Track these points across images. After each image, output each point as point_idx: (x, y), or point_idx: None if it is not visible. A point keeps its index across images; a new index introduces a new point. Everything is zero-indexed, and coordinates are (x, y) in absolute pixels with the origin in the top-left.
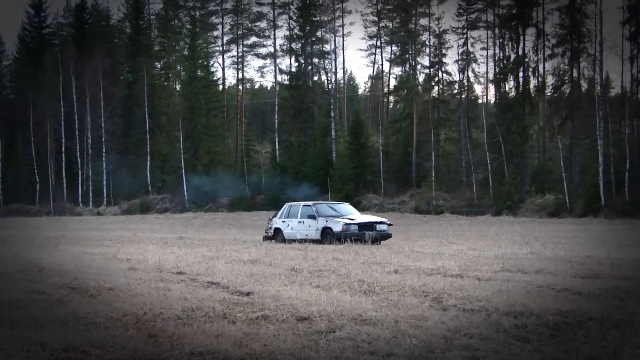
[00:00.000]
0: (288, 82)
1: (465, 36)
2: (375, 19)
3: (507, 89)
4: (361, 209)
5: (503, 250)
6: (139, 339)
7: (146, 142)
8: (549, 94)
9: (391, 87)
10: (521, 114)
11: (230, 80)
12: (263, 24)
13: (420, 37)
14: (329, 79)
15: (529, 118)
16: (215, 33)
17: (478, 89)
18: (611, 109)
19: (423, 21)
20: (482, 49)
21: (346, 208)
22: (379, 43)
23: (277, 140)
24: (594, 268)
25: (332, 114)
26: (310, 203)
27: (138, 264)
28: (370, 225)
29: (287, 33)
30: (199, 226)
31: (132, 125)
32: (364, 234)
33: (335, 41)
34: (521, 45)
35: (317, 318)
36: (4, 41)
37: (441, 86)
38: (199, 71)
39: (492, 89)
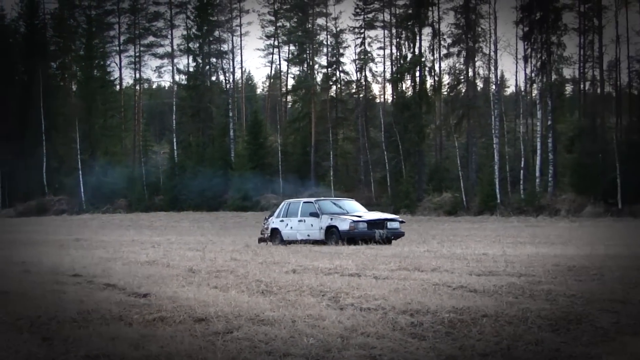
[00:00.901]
0: (186, 82)
1: (362, 36)
2: (273, 18)
3: (404, 88)
4: (260, 208)
5: (400, 248)
6: (33, 342)
7: (42, 143)
8: (445, 93)
9: (289, 86)
10: (418, 113)
11: (128, 80)
12: (160, 24)
13: (318, 37)
14: (227, 78)
15: (425, 117)
16: (112, 33)
17: (375, 88)
18: (506, 107)
19: (320, 21)
20: (379, 48)
21: (352, 205)
22: (276, 43)
23: (175, 140)
24: (489, 265)
25: (231, 114)
26: (312, 199)
27: (33, 267)
28: (380, 223)
29: (185, 33)
30: (96, 228)
31: (28, 125)
32: (373, 233)
33: (233, 41)
34: (418, 44)
35: (214, 319)
36: None
37: (339, 85)
38: (95, 71)
39: (389, 88)
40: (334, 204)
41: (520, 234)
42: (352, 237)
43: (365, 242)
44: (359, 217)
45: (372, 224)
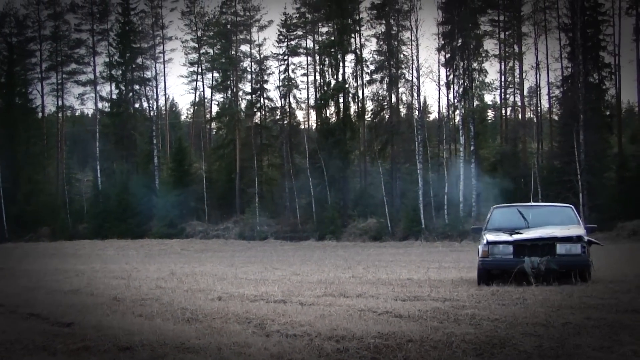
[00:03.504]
0: (109, 109)
1: (286, 62)
2: (196, 45)
3: (328, 114)
4: (185, 235)
5: (326, 274)
6: None
7: None
8: (369, 119)
9: (213, 113)
10: (342, 139)
11: (50, 107)
12: (82, 51)
13: (242, 64)
14: (150, 105)
15: (350, 143)
16: (34, 60)
17: (300, 115)
18: (429, 133)
19: (244, 47)
20: (303, 75)
21: (558, 214)
22: (200, 70)
23: (98, 168)
24: (414, 290)
25: (155, 141)
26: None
27: None
28: (543, 246)
29: (107, 60)
30: (19, 256)
31: None
32: (521, 263)
33: (156, 68)
34: (341, 71)
35: (139, 348)
36: None
37: (263, 112)
38: (17, 99)
39: (313, 114)
40: (524, 212)
41: (444, 259)
42: (488, 270)
43: (517, 280)
44: (514, 234)
45: (523, 247)
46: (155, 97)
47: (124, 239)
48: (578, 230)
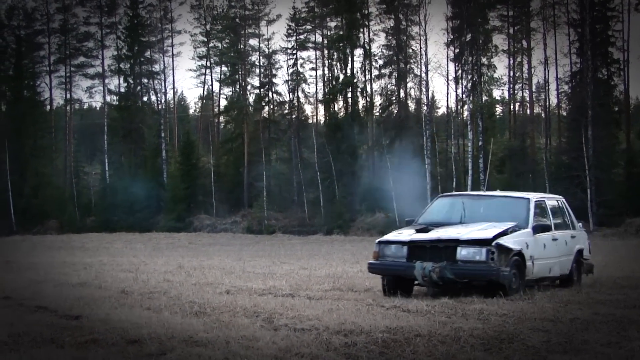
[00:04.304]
0: (117, 103)
1: (294, 57)
2: (205, 39)
3: (336, 109)
4: (193, 229)
5: (334, 269)
6: None
7: None
8: (377, 113)
9: (221, 107)
10: (350, 133)
11: (58, 100)
12: (91, 44)
13: (250, 58)
14: (158, 99)
15: (358, 137)
16: (42, 53)
17: (308, 109)
18: (437, 128)
19: (252, 41)
20: (312, 69)
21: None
22: (208, 63)
23: (106, 161)
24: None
25: (163, 135)
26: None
27: None
28: (442, 248)
29: (116, 53)
30: (27, 249)
31: None
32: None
33: (164, 61)
34: (349, 65)
35: (147, 341)
36: None
37: (271, 106)
38: (25, 92)
39: (321, 109)
40: (470, 204)
41: None
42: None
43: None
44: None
45: (422, 249)
46: (163, 90)
47: (131, 233)
48: (492, 231)
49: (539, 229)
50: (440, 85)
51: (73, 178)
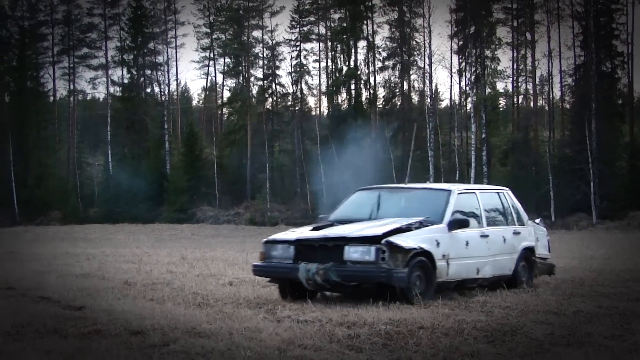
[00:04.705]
0: (120, 94)
1: (298, 48)
2: (208, 30)
3: (339, 101)
4: (196, 220)
5: None
6: None
7: None
8: (380, 105)
9: (225, 99)
10: (354, 125)
11: (62, 91)
12: (94, 35)
13: (254, 49)
14: (162, 90)
15: (361, 130)
16: (45, 44)
17: (311, 101)
18: (441, 120)
19: (256, 33)
20: (315, 61)
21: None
22: (212, 55)
23: (109, 152)
24: None
25: (166, 126)
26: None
27: None
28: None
29: (119, 44)
30: (30, 240)
31: None
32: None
33: (168, 53)
34: (353, 57)
35: (150, 332)
36: None
37: (275, 98)
38: (28, 82)
39: (325, 101)
40: (387, 197)
41: None
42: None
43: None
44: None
45: (310, 249)
46: (166, 82)
47: (134, 224)
48: (385, 227)
49: (455, 224)
50: (444, 78)
51: (76, 169)
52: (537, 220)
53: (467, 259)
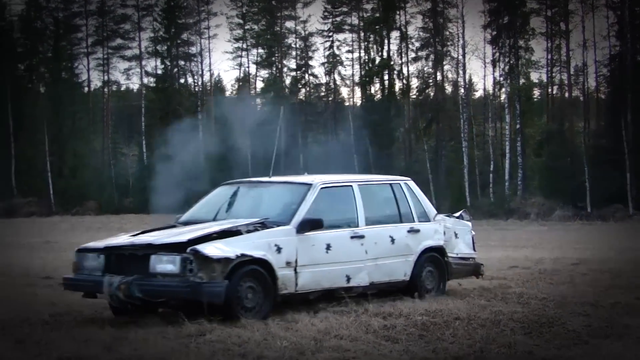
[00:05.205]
0: (154, 85)
1: (331, 39)
2: (241, 21)
3: (372, 91)
4: None
5: None
6: (6, 345)
7: (10, 145)
8: (413, 96)
9: (258, 89)
10: (387, 116)
11: (96, 82)
12: (128, 26)
13: (286, 40)
14: (195, 81)
15: (395, 120)
16: (80, 35)
17: (344, 92)
18: (475, 111)
19: (289, 24)
20: (348, 51)
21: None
22: (245, 45)
23: (144, 143)
24: None
25: (200, 117)
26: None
27: (3, 270)
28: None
29: (152, 35)
30: (66, 230)
31: None
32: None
33: (201, 43)
34: (386, 48)
35: (187, 322)
36: None
37: (308, 89)
38: (63, 73)
39: (358, 91)
40: (244, 193)
41: (490, 237)
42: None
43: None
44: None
45: (121, 258)
46: (200, 72)
47: (170, 214)
48: (196, 233)
49: (307, 225)
50: (478, 68)
51: (111, 159)
52: (458, 214)
53: (328, 265)
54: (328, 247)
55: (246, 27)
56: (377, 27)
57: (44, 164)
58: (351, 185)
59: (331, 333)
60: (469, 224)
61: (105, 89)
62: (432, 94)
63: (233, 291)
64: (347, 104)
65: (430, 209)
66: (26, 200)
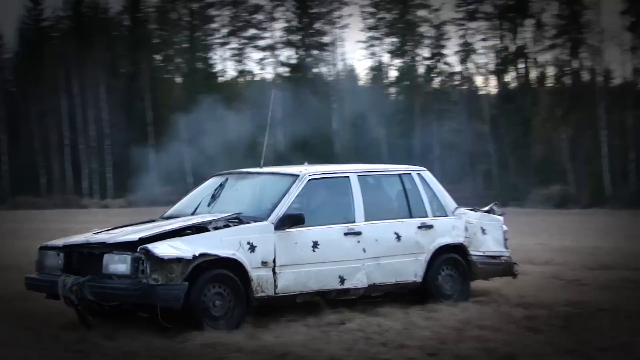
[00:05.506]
0: (288, 74)
1: (464, 27)
2: (373, 10)
3: (507, 79)
4: None
5: (510, 241)
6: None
7: (148, 135)
8: (550, 84)
9: (391, 78)
10: (523, 104)
11: (231, 72)
12: (261, 16)
13: (419, 29)
14: (329, 70)
15: (530, 109)
16: (214, 25)
17: (479, 80)
18: (613, 99)
19: (421, 12)
20: (482, 40)
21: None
22: (378, 35)
23: (279, 132)
24: (603, 259)
25: (334, 106)
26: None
27: None
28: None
29: (286, 25)
30: None
31: (133, 118)
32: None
33: (334, 33)
34: (521, 36)
35: (327, 310)
36: (2, 34)
37: (442, 77)
38: (198, 64)
39: (493, 80)
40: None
41: (631, 228)
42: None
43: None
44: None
45: (81, 257)
46: (333, 62)
47: None
48: (150, 231)
49: (287, 221)
50: (616, 55)
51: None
52: (487, 207)
53: (316, 264)
54: (315, 244)
55: (378, 17)
56: (511, 14)
57: (179, 155)
58: (348, 177)
59: (472, 323)
60: (500, 218)
61: (240, 79)
62: (568, 82)
63: (195, 295)
64: (481, 92)
65: (449, 202)
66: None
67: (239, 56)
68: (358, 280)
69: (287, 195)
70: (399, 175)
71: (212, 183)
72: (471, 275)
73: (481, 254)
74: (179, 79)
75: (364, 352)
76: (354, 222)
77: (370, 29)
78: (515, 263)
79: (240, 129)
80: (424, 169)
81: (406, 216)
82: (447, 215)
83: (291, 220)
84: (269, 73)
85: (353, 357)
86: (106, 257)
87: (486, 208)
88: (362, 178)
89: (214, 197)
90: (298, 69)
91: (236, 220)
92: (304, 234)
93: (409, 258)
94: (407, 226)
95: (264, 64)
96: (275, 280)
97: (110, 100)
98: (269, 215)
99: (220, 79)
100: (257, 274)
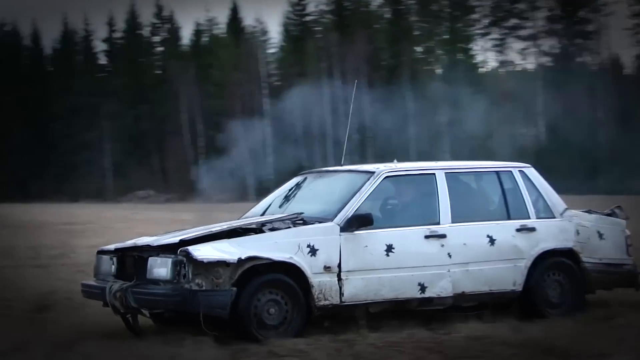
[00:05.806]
0: (551, 64)
1: None
2: None
3: None
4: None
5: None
6: None
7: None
8: None
9: None
10: None
11: (491, 63)
12: (523, 6)
13: None
14: (592, 60)
15: None
16: (475, 16)
17: None
18: None
19: None
20: None
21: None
22: None
23: (540, 123)
24: None
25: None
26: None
27: None
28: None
29: (548, 14)
30: None
31: (393, 107)
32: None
33: (598, 21)
34: None
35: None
36: (267, 30)
37: None
38: (459, 55)
39: None
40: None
41: None
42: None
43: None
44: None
45: (132, 261)
46: (597, 50)
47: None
48: (193, 232)
49: (355, 222)
50: None
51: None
52: (609, 210)
53: (389, 271)
54: (389, 248)
55: None
56: None
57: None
58: (434, 174)
59: None
60: (622, 222)
61: (501, 70)
62: None
63: (245, 302)
64: None
65: (557, 203)
66: None
67: (500, 46)
68: (442, 289)
69: (357, 194)
70: (497, 172)
71: (292, 182)
72: (585, 284)
73: (597, 261)
74: (439, 71)
75: (634, 349)
76: (438, 223)
77: (635, 15)
78: (638, 274)
79: (500, 122)
80: (528, 165)
81: (503, 218)
82: (554, 217)
83: (359, 221)
84: (530, 63)
85: (622, 353)
86: (150, 260)
87: (607, 211)
88: (451, 175)
89: (287, 197)
90: (561, 59)
91: (300, 221)
92: (376, 237)
93: (506, 264)
94: (503, 229)
95: (525, 54)
96: (340, 288)
97: (371, 92)
98: (336, 216)
99: (481, 70)
100: (319, 280)
